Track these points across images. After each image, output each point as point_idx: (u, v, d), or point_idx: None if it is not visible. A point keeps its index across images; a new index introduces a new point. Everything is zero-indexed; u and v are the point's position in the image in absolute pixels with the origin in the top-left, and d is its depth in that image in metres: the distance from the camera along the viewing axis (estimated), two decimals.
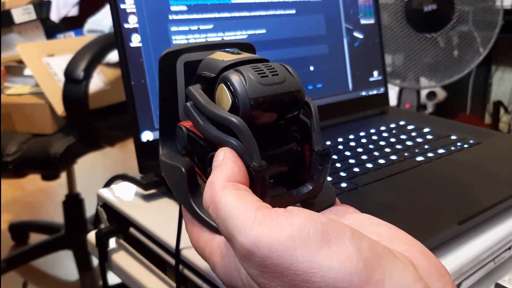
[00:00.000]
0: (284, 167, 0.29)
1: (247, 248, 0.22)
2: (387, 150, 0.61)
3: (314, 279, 0.21)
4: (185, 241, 0.45)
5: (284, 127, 0.29)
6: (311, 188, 0.28)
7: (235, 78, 0.26)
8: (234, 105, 0.26)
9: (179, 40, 0.58)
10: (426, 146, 0.63)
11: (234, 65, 0.28)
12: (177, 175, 0.29)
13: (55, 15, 1.49)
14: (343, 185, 0.51)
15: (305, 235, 0.21)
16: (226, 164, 0.25)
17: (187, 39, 0.59)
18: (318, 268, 0.21)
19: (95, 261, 1.46)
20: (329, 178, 0.52)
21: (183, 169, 0.29)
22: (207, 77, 0.29)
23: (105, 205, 0.56)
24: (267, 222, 0.22)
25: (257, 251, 0.21)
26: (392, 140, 0.65)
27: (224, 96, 0.27)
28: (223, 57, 0.29)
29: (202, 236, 0.28)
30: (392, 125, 0.71)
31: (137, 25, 0.55)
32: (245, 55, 0.29)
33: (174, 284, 0.48)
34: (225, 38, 0.62)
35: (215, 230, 0.27)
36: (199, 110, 0.28)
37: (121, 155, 2.36)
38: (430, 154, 0.60)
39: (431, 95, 2.00)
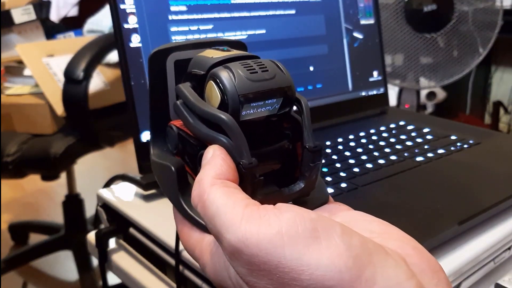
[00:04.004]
0: (276, 165, 0.28)
1: (235, 245, 0.21)
2: (387, 150, 0.61)
3: (303, 277, 0.20)
4: None
5: (275, 124, 0.28)
6: (303, 185, 0.28)
7: (224, 74, 0.26)
8: (223, 102, 0.26)
9: (179, 41, 0.58)
10: (426, 146, 0.63)
11: (223, 62, 0.27)
12: (167, 174, 0.29)
13: (55, 15, 1.49)
14: (343, 185, 0.51)
15: (294, 232, 0.21)
16: (215, 161, 0.25)
17: (186, 39, 0.59)
18: (307, 265, 0.20)
19: (95, 261, 1.46)
20: (329, 178, 0.52)
21: (173, 168, 0.29)
22: (196, 75, 0.28)
23: (105, 205, 0.56)
24: (255, 219, 0.21)
25: (245, 249, 0.21)
26: (392, 140, 0.65)
27: (213, 93, 0.26)
28: (212, 54, 0.29)
29: (192, 235, 0.28)
30: (392, 125, 0.71)
31: (137, 25, 0.55)
32: (235, 52, 0.29)
33: (174, 285, 0.48)
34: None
35: (205, 229, 0.27)
36: (189, 108, 0.28)
37: (121, 155, 2.35)
38: (430, 154, 0.60)
39: (431, 95, 1.99)
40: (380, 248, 0.22)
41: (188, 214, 0.28)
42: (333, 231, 0.21)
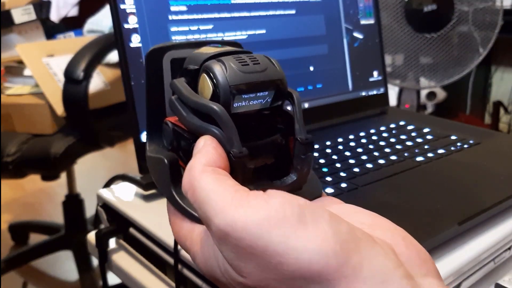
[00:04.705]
0: (270, 159, 0.29)
1: (223, 230, 0.21)
2: (387, 150, 0.61)
3: (289, 261, 0.20)
4: None
5: (268, 118, 0.29)
6: (295, 178, 0.28)
7: (216, 66, 0.26)
8: (215, 93, 0.26)
9: (177, 40, 0.58)
10: (426, 146, 0.63)
11: (216, 56, 0.28)
12: (160, 167, 0.30)
13: (55, 15, 1.49)
14: (343, 185, 0.51)
15: (281, 216, 0.21)
16: (205, 149, 0.25)
17: (187, 39, 0.59)
18: (293, 249, 0.20)
19: (95, 261, 1.46)
20: (329, 178, 0.53)
21: (166, 160, 0.29)
22: (191, 70, 0.29)
23: (105, 205, 0.56)
24: (244, 204, 0.22)
25: (233, 233, 0.21)
26: (392, 140, 0.65)
27: (206, 85, 0.27)
28: (207, 50, 0.29)
29: (183, 226, 0.28)
30: (392, 125, 0.71)
31: (137, 25, 0.55)
32: (229, 48, 0.29)
33: (174, 284, 0.48)
34: (225, 39, 0.62)
35: (197, 220, 0.27)
36: (183, 102, 0.28)
37: (121, 155, 2.36)
38: (430, 154, 0.60)
39: (431, 95, 2.00)
40: (368, 237, 0.22)
41: (180, 206, 0.28)
42: (321, 217, 0.21)
